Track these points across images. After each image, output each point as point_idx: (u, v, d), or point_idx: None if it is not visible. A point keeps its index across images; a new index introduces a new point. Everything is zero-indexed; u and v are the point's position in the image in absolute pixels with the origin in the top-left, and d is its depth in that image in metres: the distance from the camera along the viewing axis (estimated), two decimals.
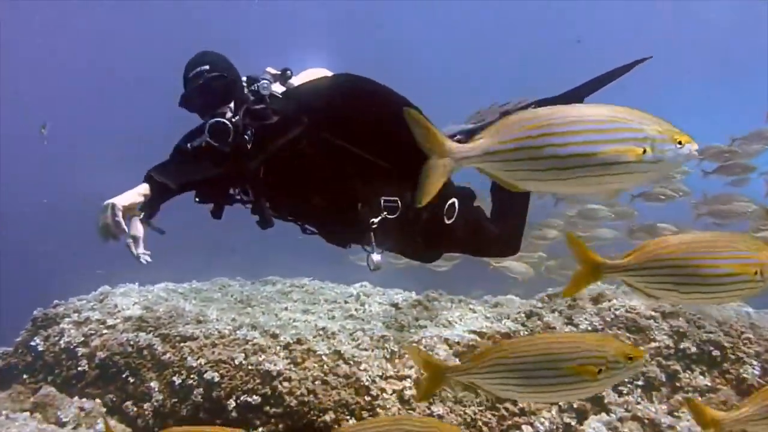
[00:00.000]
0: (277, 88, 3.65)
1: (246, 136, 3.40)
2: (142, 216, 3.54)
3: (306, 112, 3.52)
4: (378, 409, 4.72)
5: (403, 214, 3.76)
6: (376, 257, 3.75)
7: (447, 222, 3.96)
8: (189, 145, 3.49)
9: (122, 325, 5.45)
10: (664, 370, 4.95)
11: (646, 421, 4.58)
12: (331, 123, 3.58)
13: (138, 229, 3.43)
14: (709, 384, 4.87)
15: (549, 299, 5.96)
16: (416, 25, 27.31)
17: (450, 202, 3.94)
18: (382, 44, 24.90)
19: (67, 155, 22.72)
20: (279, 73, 3.69)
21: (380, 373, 4.97)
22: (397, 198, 3.75)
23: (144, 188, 3.22)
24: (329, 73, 3.91)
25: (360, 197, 3.67)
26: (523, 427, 4.69)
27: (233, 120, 3.42)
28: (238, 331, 5.36)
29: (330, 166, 3.61)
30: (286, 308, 6.35)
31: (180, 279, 7.22)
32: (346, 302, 6.76)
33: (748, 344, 5.01)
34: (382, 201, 3.72)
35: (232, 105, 3.49)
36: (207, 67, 3.49)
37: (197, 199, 3.65)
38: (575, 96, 4.33)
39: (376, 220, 3.69)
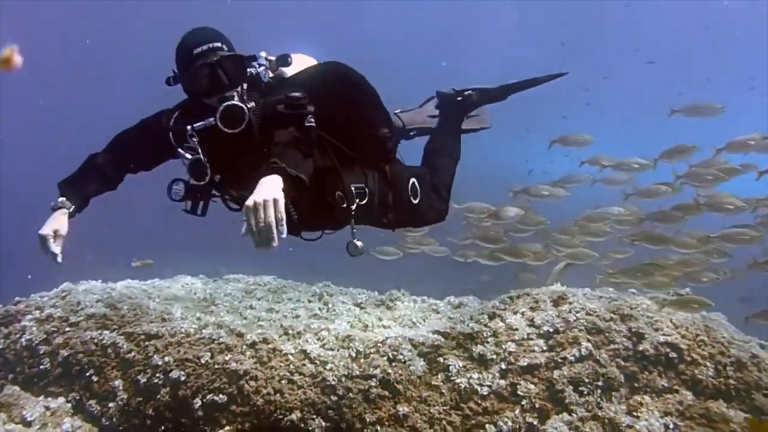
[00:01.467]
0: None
1: (311, 124, 3.35)
2: (72, 210, 3.53)
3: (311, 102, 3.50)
4: (344, 408, 4.76)
5: (371, 199, 3.85)
6: (358, 243, 3.82)
7: (414, 202, 4.14)
8: (190, 127, 3.39)
9: (86, 322, 5.39)
10: (623, 371, 5.07)
11: (606, 420, 4.70)
12: (322, 114, 3.56)
13: (62, 224, 3.43)
14: (666, 385, 5.00)
15: (511, 301, 6.05)
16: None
17: (411, 182, 4.13)
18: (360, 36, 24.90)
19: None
20: (274, 59, 3.65)
21: (346, 373, 5.01)
22: (363, 185, 3.86)
23: (279, 181, 2.92)
24: (314, 61, 3.95)
25: (339, 186, 3.72)
26: (487, 426, 4.77)
27: (248, 105, 3.37)
28: (203, 330, 5.35)
29: (320, 155, 3.62)
30: (250, 306, 6.36)
31: (142, 276, 7.17)
32: (309, 301, 6.80)
33: (702, 346, 5.16)
34: (353, 188, 3.81)
35: (239, 89, 3.42)
36: (219, 44, 3.41)
37: (178, 197, 3.62)
38: (503, 92, 4.93)
39: (353, 207, 3.76)
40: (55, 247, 3.36)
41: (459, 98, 4.95)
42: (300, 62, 3.84)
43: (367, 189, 3.86)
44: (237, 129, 3.33)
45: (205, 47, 3.36)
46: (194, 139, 3.39)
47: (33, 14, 22.58)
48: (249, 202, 2.74)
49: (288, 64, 3.70)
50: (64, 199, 3.54)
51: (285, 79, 3.74)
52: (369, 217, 4.05)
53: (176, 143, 3.53)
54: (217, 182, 3.58)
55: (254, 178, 3.33)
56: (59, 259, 3.37)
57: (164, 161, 3.75)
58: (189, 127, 3.39)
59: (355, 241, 3.83)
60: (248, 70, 3.50)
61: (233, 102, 3.33)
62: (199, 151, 3.43)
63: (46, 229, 3.39)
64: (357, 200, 3.80)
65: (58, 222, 3.45)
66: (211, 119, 3.33)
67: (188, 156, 3.52)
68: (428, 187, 4.39)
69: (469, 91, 4.96)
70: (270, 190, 2.82)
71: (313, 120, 3.38)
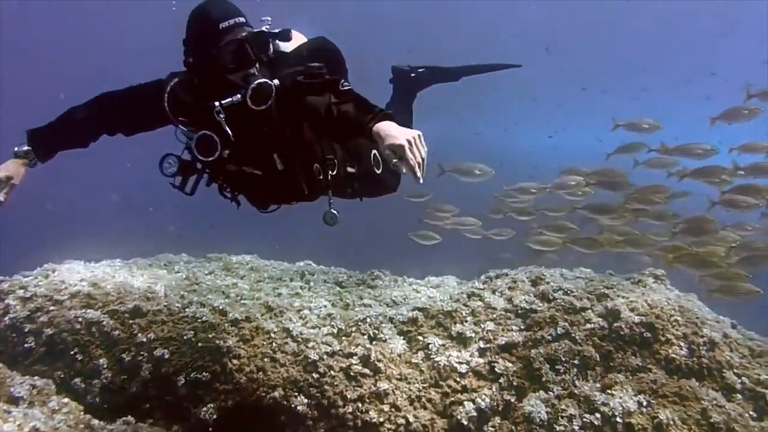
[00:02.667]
0: None
1: (349, 87, 3.41)
2: (33, 162, 3.51)
3: None
4: (326, 387, 4.84)
5: (340, 169, 3.91)
6: (335, 212, 3.91)
7: (377, 172, 4.24)
8: (218, 103, 3.38)
9: (69, 301, 5.40)
10: (598, 350, 5.18)
11: (581, 398, 4.81)
12: None
13: (19, 173, 3.41)
14: (640, 364, 5.11)
15: (490, 280, 6.14)
16: None
17: (373, 153, 4.22)
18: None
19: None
20: (276, 32, 3.64)
21: (327, 351, 5.09)
22: (332, 156, 3.94)
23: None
24: (304, 37, 4.01)
25: (317, 158, 3.80)
26: (465, 403, 4.87)
27: (274, 82, 3.41)
28: (187, 309, 5.40)
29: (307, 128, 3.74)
30: (233, 285, 6.41)
31: (124, 255, 7.17)
32: (291, 280, 6.85)
33: (676, 326, 5.27)
34: (327, 159, 3.89)
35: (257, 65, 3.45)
36: (243, 19, 3.43)
37: (170, 172, 3.65)
38: (456, 73, 5.34)
39: (329, 178, 3.85)
40: (2, 195, 3.33)
41: (412, 74, 5.11)
42: (295, 38, 3.89)
43: (336, 160, 3.92)
44: (264, 106, 3.38)
45: (231, 22, 3.38)
46: (221, 116, 3.40)
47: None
48: (400, 141, 2.88)
49: (289, 39, 3.73)
50: (29, 149, 3.50)
51: (286, 54, 3.78)
52: (335, 188, 4.10)
53: (173, 116, 3.55)
54: (224, 158, 3.58)
55: (263, 153, 3.55)
56: (2, 206, 3.34)
57: (149, 130, 3.75)
58: (217, 104, 3.39)
59: (331, 210, 3.92)
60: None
61: (263, 80, 3.37)
62: (225, 127, 3.44)
63: (2, 173, 3.36)
64: (330, 171, 3.87)
65: (15, 170, 3.41)
66: (237, 96, 3.37)
67: (184, 130, 3.55)
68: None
69: (422, 69, 5.12)
70: (405, 129, 2.98)
71: (348, 84, 3.45)
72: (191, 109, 3.52)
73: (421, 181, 2.89)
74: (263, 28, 3.54)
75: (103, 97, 3.71)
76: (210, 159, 3.52)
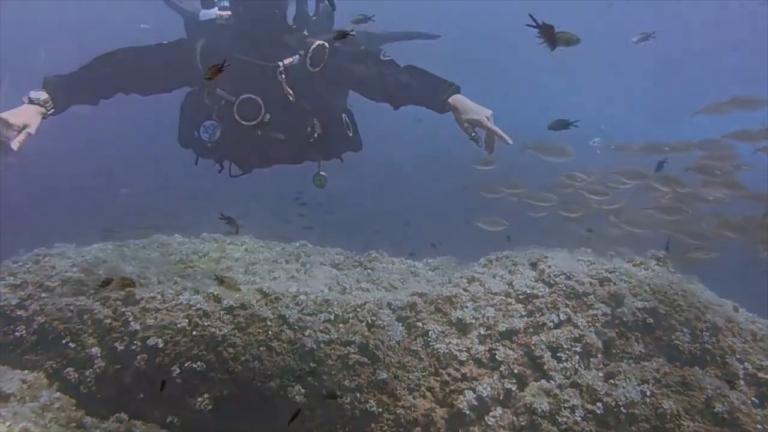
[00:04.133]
0: None
1: (390, 58, 3.51)
2: (52, 111, 3.28)
3: None
4: (323, 375, 4.76)
5: (321, 131, 3.86)
6: (323, 174, 3.95)
7: (349, 135, 4.25)
8: (282, 62, 3.38)
9: (61, 288, 5.28)
10: (600, 336, 5.10)
11: (584, 387, 4.74)
12: None
13: (35, 122, 3.14)
14: (644, 351, 5.05)
15: (489, 263, 6.04)
16: None
17: (343, 117, 4.21)
18: None
19: None
20: None
21: (325, 339, 5.00)
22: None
23: None
24: None
25: (309, 121, 3.77)
26: (466, 392, 4.79)
27: (326, 45, 3.44)
28: (180, 296, 5.28)
29: None
30: (227, 268, 6.30)
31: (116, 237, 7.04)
32: (287, 262, 6.75)
33: (679, 311, 5.20)
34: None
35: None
36: None
37: (213, 137, 3.60)
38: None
39: (316, 139, 3.95)
40: (16, 142, 3.02)
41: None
42: None
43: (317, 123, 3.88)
44: (317, 68, 3.37)
45: None
46: (283, 76, 3.35)
47: None
48: (479, 117, 3.15)
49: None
50: (48, 98, 3.25)
51: (312, 20, 3.77)
52: (316, 150, 4.14)
53: (211, 76, 3.43)
54: (264, 123, 3.50)
55: (307, 117, 3.66)
56: (13, 153, 3.03)
57: (170, 90, 3.67)
58: (281, 63, 3.33)
59: (320, 172, 3.93)
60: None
61: (321, 42, 3.36)
62: (285, 87, 3.47)
63: (17, 119, 3.04)
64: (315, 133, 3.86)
65: (32, 118, 3.13)
66: (297, 56, 3.33)
67: (219, 92, 3.45)
68: (355, 123, 4.42)
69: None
70: (479, 106, 3.23)
71: (388, 55, 3.53)
72: (235, 69, 3.34)
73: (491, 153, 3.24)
74: None
75: (128, 51, 3.56)
76: (252, 123, 3.46)
